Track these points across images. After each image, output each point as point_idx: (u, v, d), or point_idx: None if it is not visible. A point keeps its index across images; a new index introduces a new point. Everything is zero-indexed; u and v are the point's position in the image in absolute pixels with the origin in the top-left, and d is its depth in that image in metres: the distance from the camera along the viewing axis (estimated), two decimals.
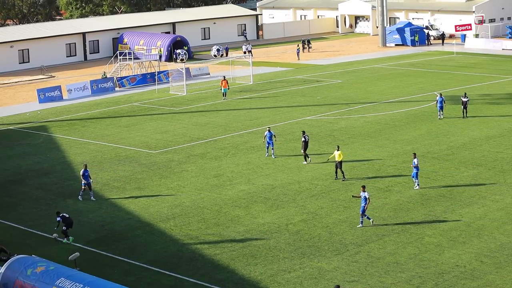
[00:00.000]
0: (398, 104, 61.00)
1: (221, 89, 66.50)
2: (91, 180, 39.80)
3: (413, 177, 39.44)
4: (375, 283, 28.35)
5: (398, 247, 31.58)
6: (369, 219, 34.24)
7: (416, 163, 39.02)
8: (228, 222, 35.42)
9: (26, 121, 60.35)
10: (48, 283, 25.23)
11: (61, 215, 33.58)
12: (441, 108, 54.86)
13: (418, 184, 39.35)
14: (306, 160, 44.56)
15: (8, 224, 36.48)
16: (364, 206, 33.83)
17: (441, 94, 56.11)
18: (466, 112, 54.85)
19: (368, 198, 33.90)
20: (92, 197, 39.36)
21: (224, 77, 67.87)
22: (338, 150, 41.28)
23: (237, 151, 47.99)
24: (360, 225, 34.06)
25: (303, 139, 44.60)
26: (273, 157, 45.67)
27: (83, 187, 39.33)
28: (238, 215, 36.21)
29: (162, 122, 57.51)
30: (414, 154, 39.59)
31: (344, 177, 41.08)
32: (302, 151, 44.63)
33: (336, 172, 41.30)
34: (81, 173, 39.46)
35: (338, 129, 52.83)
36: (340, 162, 41.02)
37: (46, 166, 46.52)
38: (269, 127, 47.17)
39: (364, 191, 33.93)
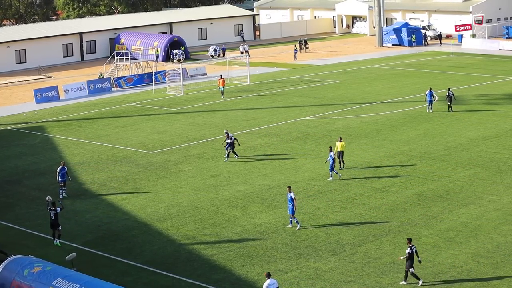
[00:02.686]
0: (395, 104, 61.05)
1: (219, 88, 66.79)
2: (69, 178, 39.95)
3: (330, 170, 40.92)
4: (372, 283, 28.37)
5: (395, 248, 31.60)
6: (298, 223, 34.28)
7: (333, 156, 40.55)
8: (225, 222, 35.41)
9: (23, 121, 60.30)
10: (45, 284, 25.20)
11: (53, 209, 33.35)
12: (430, 102, 56.98)
13: (332, 176, 40.90)
14: (228, 158, 45.32)
15: (5, 224, 36.45)
16: (293, 207, 33.94)
17: (430, 89, 57.55)
18: (451, 106, 56.97)
19: (294, 198, 34.00)
20: (63, 194, 39.45)
21: (221, 75, 68.00)
22: (340, 141, 42.95)
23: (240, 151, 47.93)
24: (298, 226, 34.14)
25: (229, 140, 44.89)
26: (225, 160, 45.44)
27: (60, 184, 39.46)
28: (235, 216, 36.21)
29: (159, 123, 57.49)
30: (330, 147, 41.27)
31: (343, 165, 42.70)
32: (227, 150, 45.12)
33: (339, 162, 42.78)
34: (57, 170, 39.50)
35: (335, 129, 52.83)
36: (342, 152, 42.70)
37: (43, 166, 46.48)
38: (226, 130, 46.89)
39: (290, 191, 34.15)
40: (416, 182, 40.15)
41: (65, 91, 70.44)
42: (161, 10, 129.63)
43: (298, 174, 42.43)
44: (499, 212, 35.40)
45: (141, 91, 72.34)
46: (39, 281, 25.41)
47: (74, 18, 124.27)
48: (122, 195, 40.08)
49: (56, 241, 33.27)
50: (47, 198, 34.12)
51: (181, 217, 36.36)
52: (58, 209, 33.45)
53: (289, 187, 34.51)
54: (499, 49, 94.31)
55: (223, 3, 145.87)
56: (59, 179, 39.50)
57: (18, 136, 55.10)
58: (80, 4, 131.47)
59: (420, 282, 27.97)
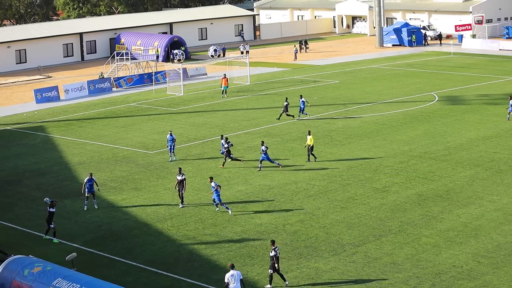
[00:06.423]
0: (395, 104, 61.04)
1: (221, 87, 66.97)
2: (99, 188, 38.80)
3: (261, 160, 43.29)
4: (372, 283, 28.34)
5: (395, 248, 31.60)
6: (217, 206, 36.45)
7: (264, 150, 42.93)
8: (225, 222, 35.41)
9: (23, 122, 60.30)
10: (45, 284, 25.19)
11: (49, 210, 33.55)
12: (302, 109, 55.69)
13: (260, 168, 43.19)
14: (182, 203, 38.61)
15: (5, 224, 36.45)
16: (219, 196, 36.01)
17: (301, 96, 57.01)
18: (288, 115, 55.85)
19: (218, 185, 36.13)
20: (95, 205, 38.18)
21: (225, 75, 68.15)
22: (309, 135, 44.47)
23: (234, 151, 47.91)
24: (229, 211, 36.14)
25: (180, 177, 37.88)
26: (174, 158, 46.10)
27: (86, 195, 38.00)
28: (235, 216, 36.20)
29: (159, 123, 57.49)
30: (262, 142, 43.74)
31: (312, 159, 44.49)
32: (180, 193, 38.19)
33: (308, 155, 44.51)
34: (84, 181, 38.01)
35: (335, 129, 52.84)
36: (312, 146, 44.37)
37: (43, 166, 46.49)
38: (170, 131, 46.80)
39: (211, 181, 36.22)
40: (416, 182, 40.15)
41: (65, 91, 70.46)
42: (161, 10, 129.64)
43: (298, 174, 42.43)
44: (499, 212, 35.40)
45: (141, 91, 72.34)
46: (39, 281, 25.41)
47: (74, 18, 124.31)
48: (122, 195, 40.09)
49: (54, 239, 33.32)
50: (47, 200, 34.01)
51: (181, 217, 36.36)
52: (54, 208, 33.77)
53: (211, 178, 36.60)
54: (499, 49, 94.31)
55: (223, 3, 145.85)
56: (86, 190, 37.75)
57: (18, 136, 55.10)
58: (80, 4, 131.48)
59: (269, 286, 28.18)
